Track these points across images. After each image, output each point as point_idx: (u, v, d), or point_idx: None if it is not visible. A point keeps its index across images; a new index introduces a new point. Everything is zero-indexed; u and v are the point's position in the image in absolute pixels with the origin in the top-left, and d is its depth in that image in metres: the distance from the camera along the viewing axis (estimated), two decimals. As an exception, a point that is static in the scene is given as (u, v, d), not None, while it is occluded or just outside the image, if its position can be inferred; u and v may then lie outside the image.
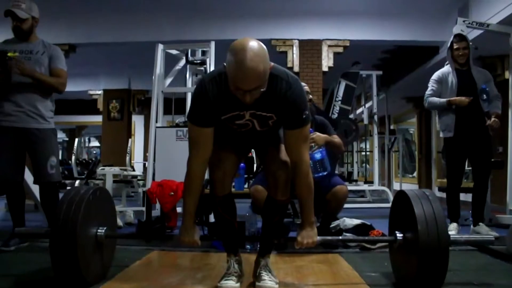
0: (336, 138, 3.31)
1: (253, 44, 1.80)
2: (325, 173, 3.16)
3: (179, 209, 4.24)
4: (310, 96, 3.32)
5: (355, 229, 3.42)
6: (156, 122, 4.65)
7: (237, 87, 1.82)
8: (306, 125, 2.04)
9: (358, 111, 8.60)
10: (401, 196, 2.18)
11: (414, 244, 1.98)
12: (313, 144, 3.12)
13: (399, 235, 2.12)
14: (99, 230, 2.16)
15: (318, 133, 3.18)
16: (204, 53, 5.05)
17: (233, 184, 3.51)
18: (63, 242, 1.97)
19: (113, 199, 2.51)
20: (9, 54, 3.01)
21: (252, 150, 2.59)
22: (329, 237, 2.81)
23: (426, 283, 1.96)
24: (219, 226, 2.33)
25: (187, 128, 2.25)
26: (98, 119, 10.99)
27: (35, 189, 4.15)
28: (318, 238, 2.13)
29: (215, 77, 2.00)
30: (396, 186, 10.06)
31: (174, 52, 5.04)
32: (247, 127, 2.12)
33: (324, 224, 3.30)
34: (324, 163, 3.19)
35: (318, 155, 3.15)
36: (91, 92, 10.87)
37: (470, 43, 4.25)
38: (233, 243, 2.31)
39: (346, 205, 3.37)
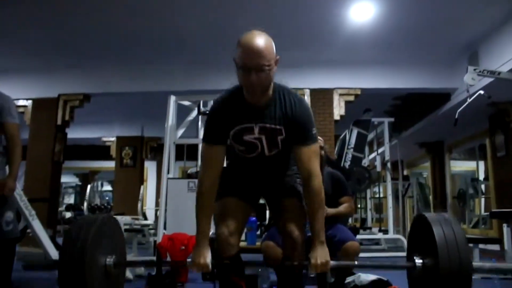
0: (345, 206, 3.29)
1: (260, 31, 1.92)
2: None
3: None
4: (322, 152, 3.30)
5: (371, 286, 3.31)
6: (168, 173, 4.64)
7: (245, 65, 1.87)
8: (315, 142, 2.06)
9: (371, 156, 8.56)
10: (420, 219, 2.09)
11: (434, 271, 1.87)
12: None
13: (418, 260, 2.02)
14: (107, 259, 2.12)
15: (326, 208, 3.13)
16: (216, 103, 5.09)
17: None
18: (71, 272, 1.93)
19: (121, 228, 2.47)
20: None
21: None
22: (344, 262, 2.71)
23: None
24: None
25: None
26: (111, 164, 11.06)
27: (45, 239, 4.14)
28: (333, 262, 2.03)
29: (225, 92, 2.09)
30: (412, 232, 9.84)
31: (186, 103, 5.10)
32: (256, 150, 2.08)
33: (338, 280, 3.20)
34: None
35: None
36: (104, 139, 11.00)
37: (484, 93, 4.18)
38: None
39: (360, 254, 3.26)
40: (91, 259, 1.99)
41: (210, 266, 2.02)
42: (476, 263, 1.93)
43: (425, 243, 1.98)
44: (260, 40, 1.88)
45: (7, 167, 3.02)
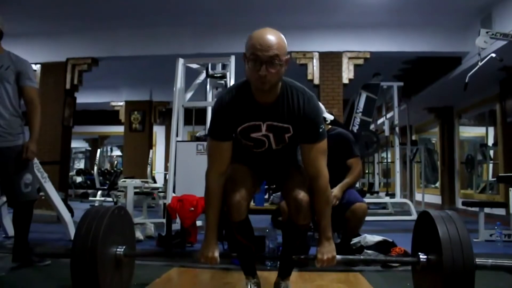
0: (352, 174, 3.33)
1: (273, 29, 1.91)
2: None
3: (199, 223, 4.25)
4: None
5: (377, 246, 3.36)
6: (177, 136, 4.67)
7: (256, 56, 1.82)
8: (323, 139, 2.04)
9: (379, 121, 8.53)
10: (424, 216, 2.13)
11: (438, 267, 1.93)
12: (335, 201, 3.16)
13: (422, 256, 2.07)
14: (118, 249, 2.18)
15: (334, 190, 3.17)
16: (224, 66, 5.07)
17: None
18: (83, 262, 1.98)
19: (131, 216, 2.51)
20: None
21: None
22: (350, 256, 2.77)
23: None
24: (235, 250, 2.29)
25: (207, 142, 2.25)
26: (120, 129, 11.13)
27: (58, 201, 4.24)
28: (339, 257, 2.09)
29: (232, 89, 2.07)
30: (418, 197, 9.93)
31: (194, 66, 5.07)
32: (263, 146, 2.10)
33: (344, 241, 3.26)
34: None
35: None
36: (113, 104, 11.02)
37: (496, 56, 4.11)
38: (251, 266, 2.29)
39: (367, 218, 3.33)
40: (103, 250, 2.03)
41: (218, 259, 2.08)
42: (479, 260, 1.96)
43: (430, 240, 2.02)
44: (274, 34, 1.86)
45: (26, 130, 3.06)
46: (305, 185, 2.11)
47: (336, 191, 3.19)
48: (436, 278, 1.95)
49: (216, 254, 2.08)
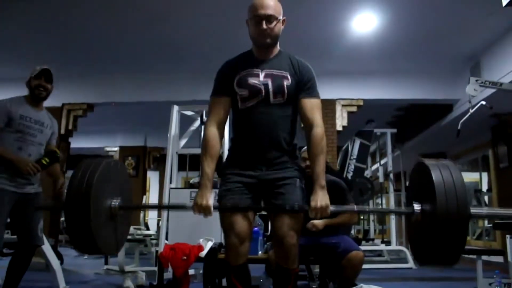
0: (342, 215, 3.29)
1: None
2: None
3: (191, 271, 4.15)
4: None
5: (374, 296, 3.27)
6: (170, 183, 4.63)
7: (256, 15, 2.09)
8: (319, 98, 2.20)
9: (373, 167, 8.54)
10: (420, 166, 2.08)
11: (432, 216, 1.86)
12: (314, 229, 3.17)
13: (416, 206, 1.99)
14: (113, 202, 2.12)
15: (316, 221, 3.17)
16: (219, 113, 5.09)
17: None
18: (77, 215, 1.94)
19: (127, 172, 2.46)
20: (57, 155, 3.21)
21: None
22: (345, 207, 2.72)
23: (444, 257, 1.86)
24: None
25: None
26: (113, 175, 11.06)
27: (46, 247, 4.14)
28: (332, 207, 2.01)
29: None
30: (415, 244, 9.77)
31: (189, 113, 5.10)
32: (258, 94, 2.11)
33: (341, 291, 3.18)
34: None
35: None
36: (107, 149, 11.02)
37: (486, 104, 4.18)
38: None
39: (363, 266, 3.25)
40: (96, 200, 1.99)
41: (212, 208, 2.04)
42: (474, 209, 1.91)
43: (424, 189, 1.97)
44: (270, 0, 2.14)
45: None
46: (294, 227, 2.06)
47: (318, 221, 3.16)
48: (430, 227, 1.88)
49: (210, 203, 2.03)
